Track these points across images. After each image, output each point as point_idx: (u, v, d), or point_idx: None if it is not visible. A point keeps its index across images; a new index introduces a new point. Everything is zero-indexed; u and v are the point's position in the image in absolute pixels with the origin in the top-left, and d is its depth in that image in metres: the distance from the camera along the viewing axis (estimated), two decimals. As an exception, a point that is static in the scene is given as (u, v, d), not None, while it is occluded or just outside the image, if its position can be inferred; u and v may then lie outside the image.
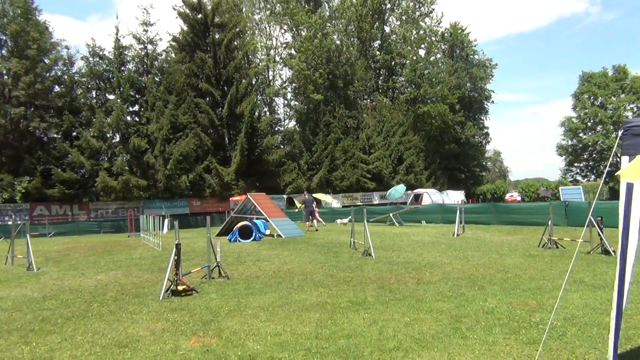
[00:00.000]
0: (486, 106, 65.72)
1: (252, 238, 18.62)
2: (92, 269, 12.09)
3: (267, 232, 21.70)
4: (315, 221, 24.93)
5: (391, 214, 26.46)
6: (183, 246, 17.56)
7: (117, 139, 36.10)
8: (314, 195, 41.28)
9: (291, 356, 5.04)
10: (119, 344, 5.55)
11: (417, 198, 41.44)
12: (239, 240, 18.25)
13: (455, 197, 44.09)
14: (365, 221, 13.20)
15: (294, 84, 51.44)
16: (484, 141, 68.30)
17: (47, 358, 5.18)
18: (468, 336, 5.47)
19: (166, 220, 29.96)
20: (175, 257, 8.35)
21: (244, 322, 6.29)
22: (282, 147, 47.62)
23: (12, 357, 5.24)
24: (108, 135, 35.37)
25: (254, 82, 44.78)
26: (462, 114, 58.26)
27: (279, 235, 19.91)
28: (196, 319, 6.53)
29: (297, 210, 37.05)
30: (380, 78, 61.83)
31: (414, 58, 57.33)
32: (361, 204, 46.34)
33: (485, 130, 67.47)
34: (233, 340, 5.55)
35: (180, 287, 8.21)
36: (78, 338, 5.85)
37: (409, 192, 43.31)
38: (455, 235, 17.77)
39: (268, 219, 20.55)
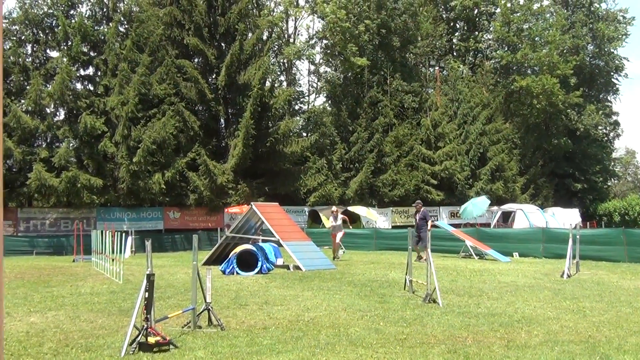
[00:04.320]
0: (616, 82, 65.00)
1: (256, 269, 18.71)
2: (22, 308, 12.30)
3: (280, 261, 21.88)
4: (340, 250, 26.29)
5: (467, 242, 26.35)
6: (156, 278, 17.79)
7: (61, 117, 36.70)
8: (351, 208, 41.43)
9: None
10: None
11: (507, 218, 41.20)
12: (237, 273, 18.36)
13: (566, 218, 43.63)
14: (429, 251, 13.17)
15: (325, 41, 51.56)
16: (611, 134, 67.58)
17: None
18: None
19: (129, 239, 30.34)
20: (147, 295, 8.42)
21: (246, 395, 6.33)
22: (305, 135, 47.77)
23: None
24: (48, 111, 35.96)
25: (266, 37, 44.95)
26: (580, 92, 57.70)
27: (297, 267, 20.04)
28: (175, 388, 6.59)
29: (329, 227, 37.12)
30: (456, 35, 61.64)
31: (508, 5, 56.97)
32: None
33: (614, 119, 66.75)
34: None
35: (152, 339, 8.27)
36: (1, 408, 5.94)
37: (495, 208, 43.09)
38: (565, 276, 17.62)
39: (282, 241, 20.65)
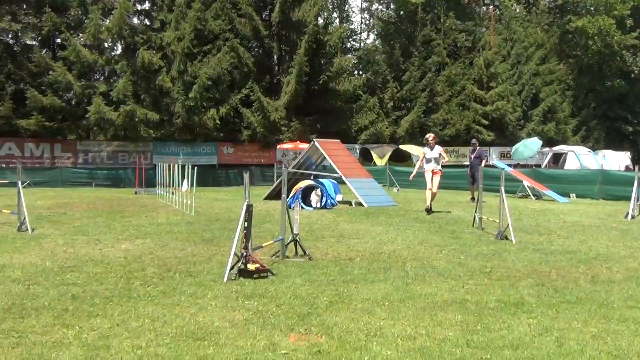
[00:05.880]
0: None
1: (321, 204, 19.21)
2: (108, 235, 12.92)
3: (339, 197, 22.25)
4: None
5: (525, 182, 26.44)
6: (221, 211, 18.33)
7: (119, 51, 37.22)
8: (402, 147, 41.59)
9: (438, 368, 5.45)
10: (192, 335, 6.06)
11: (558, 159, 40.99)
12: (302, 207, 18.74)
13: (616, 160, 43.26)
14: (503, 190, 13.36)
15: (378, -23, 51.24)
16: (666, 77, 66.15)
17: (102, 346, 5.74)
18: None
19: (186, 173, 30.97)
20: (246, 224, 8.82)
21: (356, 319, 6.70)
22: (357, 73, 47.74)
23: (55, 343, 5.83)
24: (106, 45, 36.48)
25: (319, -27, 44.95)
26: (637, 33, 56.35)
27: (359, 204, 20.39)
28: (286, 310, 7.00)
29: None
30: (512, -28, 60.55)
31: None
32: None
33: (670, 61, 65.28)
34: (350, 341, 5.96)
35: (252, 266, 8.71)
36: (132, 324, 6.42)
37: (546, 149, 42.89)
38: (630, 217, 17.80)
39: (344, 178, 20.96)
